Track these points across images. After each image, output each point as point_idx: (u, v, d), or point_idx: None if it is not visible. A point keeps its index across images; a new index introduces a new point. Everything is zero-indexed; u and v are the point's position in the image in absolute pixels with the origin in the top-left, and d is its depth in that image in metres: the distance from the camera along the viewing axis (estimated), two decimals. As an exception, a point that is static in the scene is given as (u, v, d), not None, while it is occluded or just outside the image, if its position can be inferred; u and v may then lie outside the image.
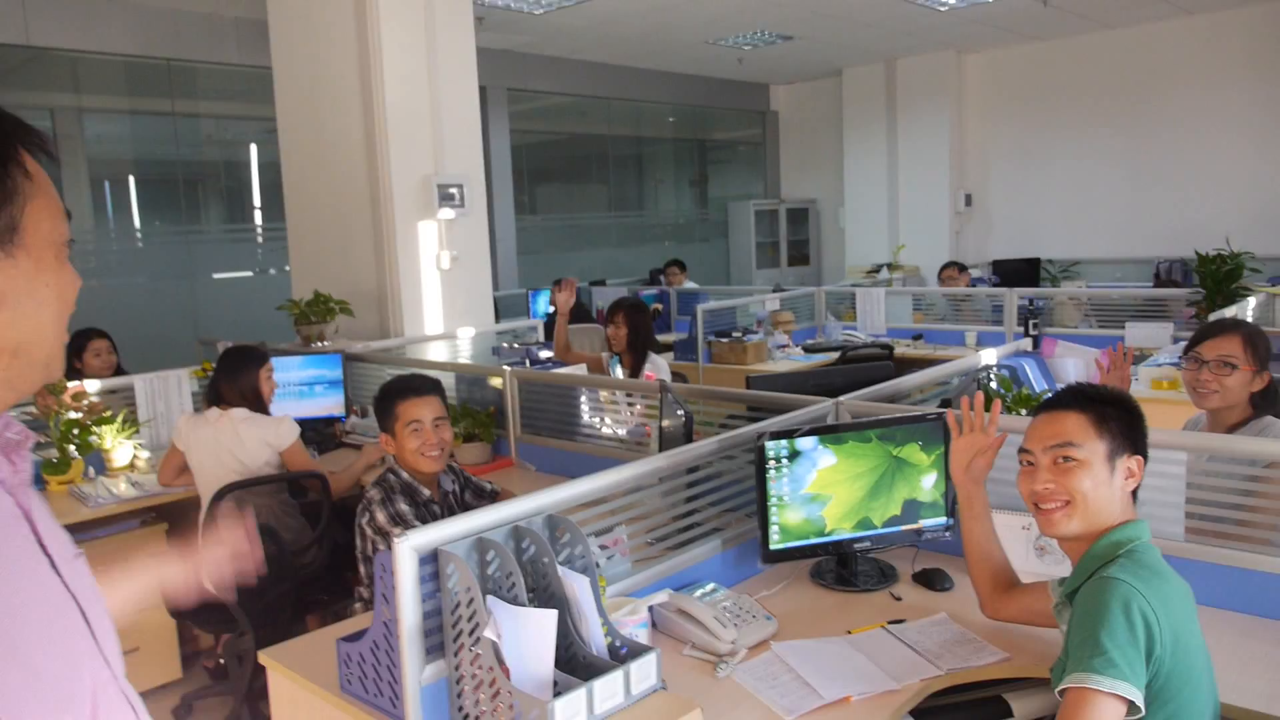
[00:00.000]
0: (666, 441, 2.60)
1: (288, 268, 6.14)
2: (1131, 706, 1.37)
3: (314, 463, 3.53)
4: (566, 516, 1.73)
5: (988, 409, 1.98)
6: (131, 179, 6.84)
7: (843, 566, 2.25)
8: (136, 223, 6.89)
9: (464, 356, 5.18)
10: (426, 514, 2.55)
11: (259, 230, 7.38)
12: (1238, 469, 2.04)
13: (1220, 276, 5.17)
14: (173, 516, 3.73)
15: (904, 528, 2.26)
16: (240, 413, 3.30)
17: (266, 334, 5.46)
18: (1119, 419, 1.61)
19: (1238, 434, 2.44)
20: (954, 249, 9.73)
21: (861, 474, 2.22)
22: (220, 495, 2.99)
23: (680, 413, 2.58)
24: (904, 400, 2.80)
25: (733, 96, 10.95)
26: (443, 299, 5.18)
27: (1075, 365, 3.61)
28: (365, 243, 5.07)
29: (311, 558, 3.22)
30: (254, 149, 7.32)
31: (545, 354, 4.97)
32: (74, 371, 4.45)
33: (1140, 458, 1.63)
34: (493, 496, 2.90)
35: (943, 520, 2.26)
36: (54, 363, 0.89)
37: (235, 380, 3.38)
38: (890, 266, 9.70)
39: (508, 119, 8.61)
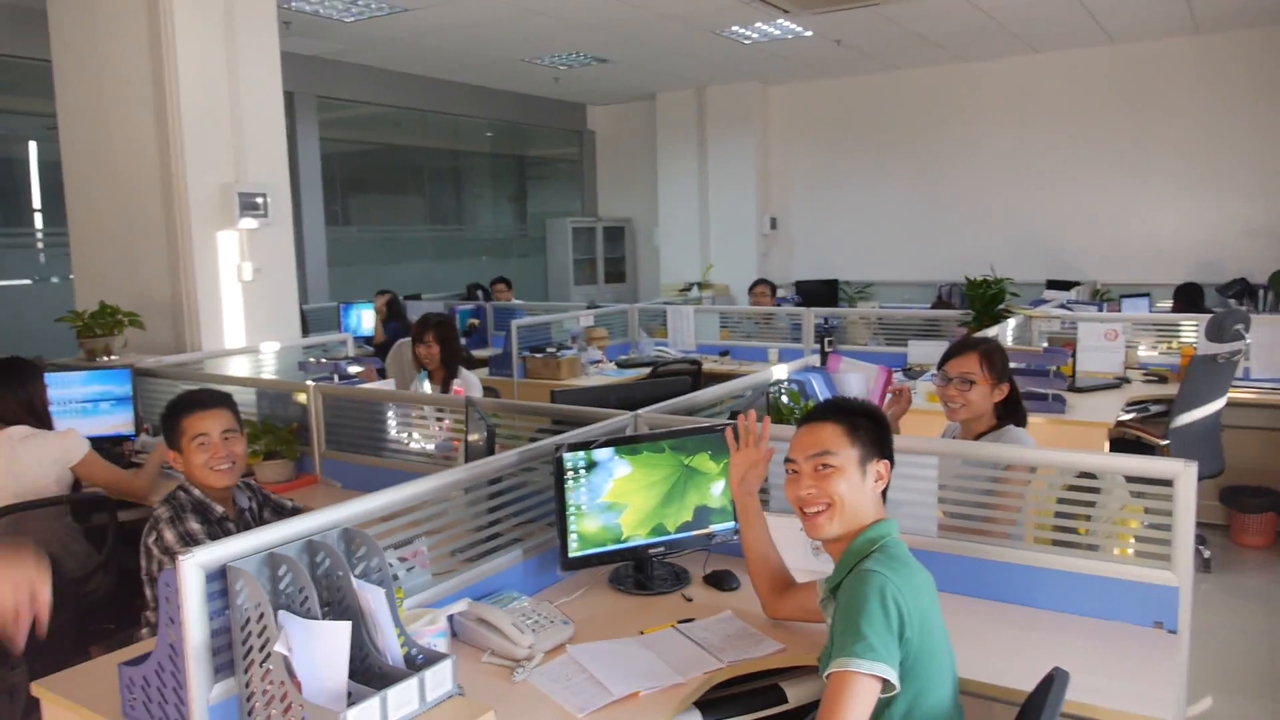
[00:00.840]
0: (472, 455, 2.65)
1: (72, 276, 5.73)
2: (886, 684, 1.55)
3: (118, 472, 3.35)
4: (364, 530, 1.75)
5: (781, 422, 2.16)
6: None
7: (639, 571, 2.38)
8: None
9: (268, 371, 4.99)
10: (220, 532, 2.47)
11: (39, 235, 6.81)
12: (981, 472, 2.32)
13: (986, 299, 5.75)
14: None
15: (696, 533, 2.41)
16: (20, 430, 3.07)
17: (46, 348, 5.06)
18: (868, 428, 1.82)
19: (982, 441, 2.76)
20: (761, 269, 10.28)
21: (655, 483, 2.36)
22: (-13, 522, 2.77)
23: (483, 427, 2.63)
24: (700, 413, 2.98)
25: (550, 114, 11.11)
26: (244, 312, 4.98)
27: (857, 380, 3.94)
28: (158, 252, 4.80)
29: (96, 584, 3.03)
30: (33, 146, 6.75)
31: (355, 369, 4.87)
32: None
33: (888, 461, 1.84)
34: (294, 514, 2.84)
35: (731, 525, 2.44)
36: None
37: (14, 394, 3.14)
38: (701, 285, 10.12)
39: (317, 127, 8.35)
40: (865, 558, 1.72)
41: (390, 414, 3.46)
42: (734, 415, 3.03)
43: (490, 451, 2.53)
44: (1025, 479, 2.24)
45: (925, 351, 5.56)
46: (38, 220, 6.82)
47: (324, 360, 4.99)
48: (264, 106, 4.98)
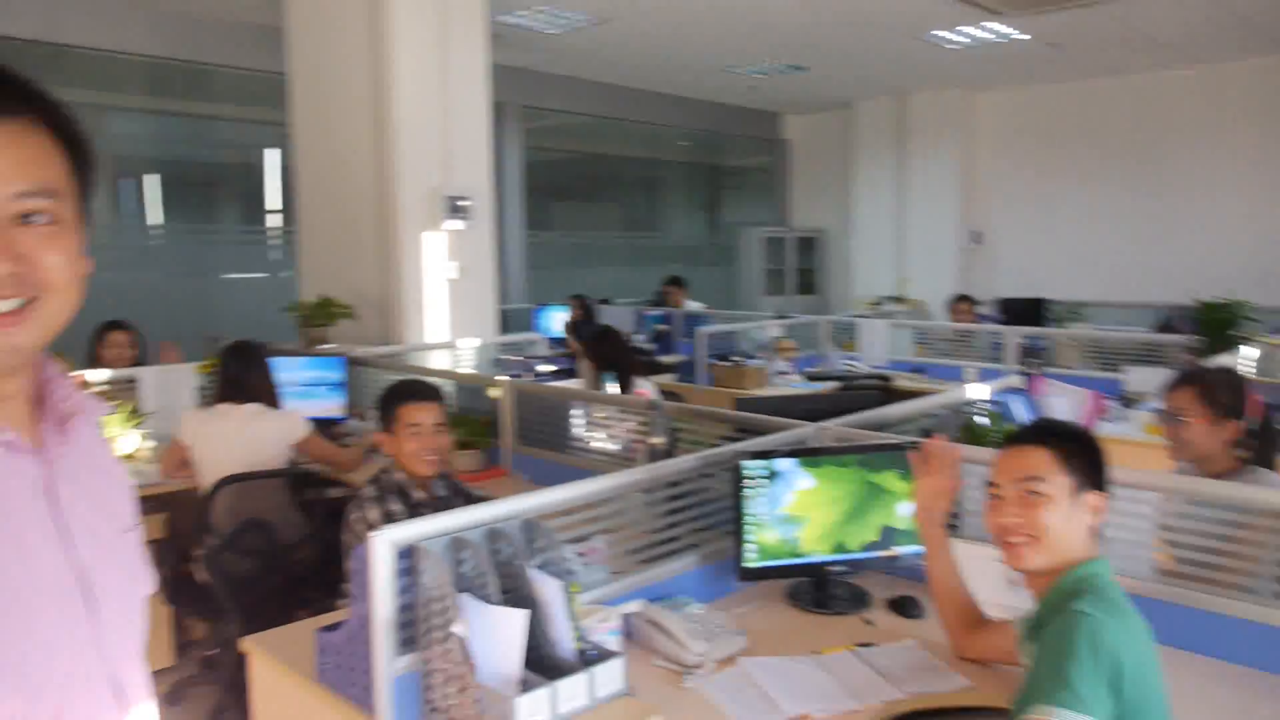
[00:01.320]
0: (653, 459, 2.65)
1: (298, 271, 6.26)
2: None
3: (337, 450, 3.65)
4: (544, 522, 1.78)
5: (977, 444, 2.02)
6: (150, 178, 6.96)
7: (817, 589, 2.29)
8: (155, 220, 7.00)
9: (465, 366, 5.24)
10: (416, 516, 2.59)
11: (273, 233, 7.48)
12: (1214, 515, 2.07)
13: (1220, 324, 5.20)
14: (173, 507, 3.79)
15: (880, 554, 2.30)
16: (253, 408, 3.38)
17: (272, 334, 5.54)
18: (1083, 455, 1.66)
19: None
20: (961, 284, 9.77)
21: (839, 498, 2.27)
22: (219, 487, 3.05)
23: (667, 430, 2.63)
24: (890, 429, 2.85)
25: (746, 123, 11.07)
26: (447, 308, 5.25)
27: (1063, 405, 3.66)
28: (372, 250, 5.16)
29: (304, 554, 3.27)
30: (271, 153, 7.41)
31: (546, 367, 5.04)
32: (94, 361, 4.52)
33: (1103, 494, 1.67)
34: (476, 501, 2.95)
35: (918, 548, 2.31)
36: None
37: (249, 373, 3.46)
38: (895, 299, 9.76)
39: (522, 135, 8.71)
40: (1075, 597, 1.56)
41: (577, 413, 3.53)
42: (927, 434, 2.88)
43: (670, 455, 2.52)
44: (1268, 525, 1.98)
45: (1144, 379, 5.09)
46: (272, 220, 7.49)
47: (518, 358, 5.20)
48: (472, 115, 5.25)
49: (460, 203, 5.13)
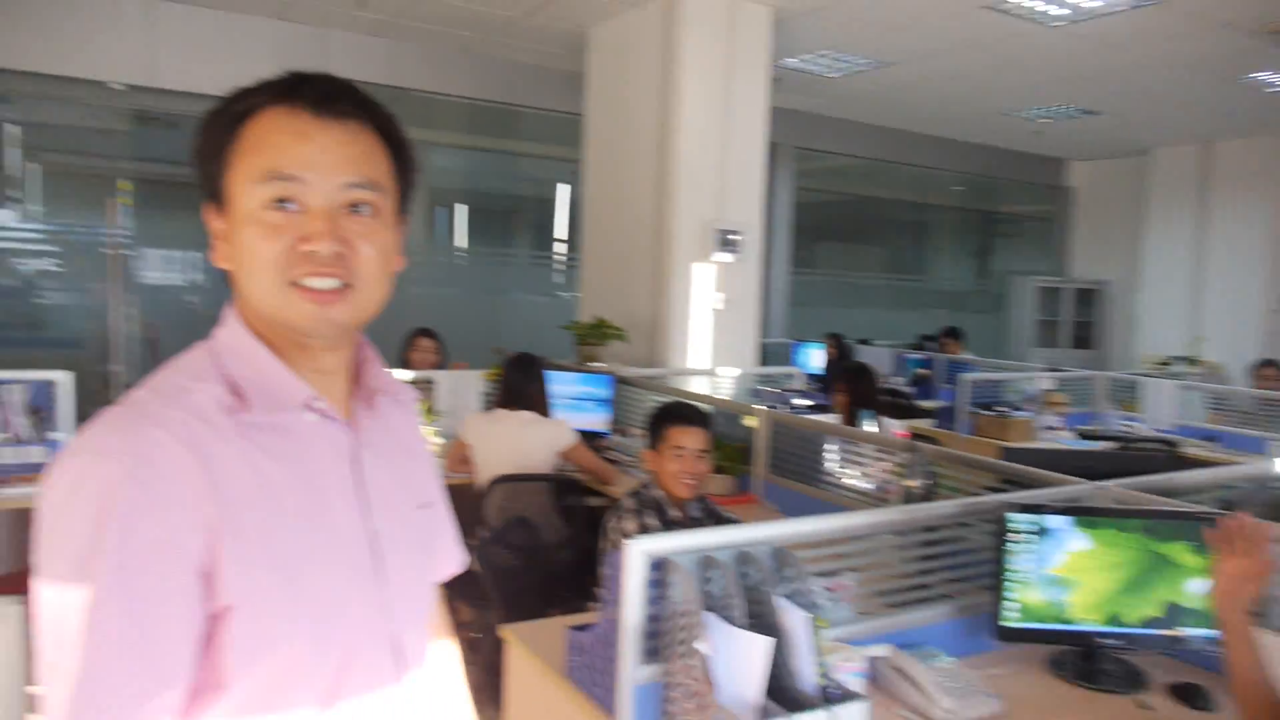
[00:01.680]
0: (909, 499, 2.58)
1: (578, 294, 6.67)
2: None
3: (599, 461, 3.89)
4: (794, 551, 1.79)
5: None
6: (459, 207, 7.77)
7: (1085, 661, 2.11)
8: (460, 244, 7.81)
9: (723, 393, 5.34)
10: (670, 532, 2.69)
11: (558, 259, 8.06)
12: None
13: None
14: (453, 498, 4.16)
15: (1162, 632, 2.08)
16: (527, 415, 3.66)
17: (550, 350, 5.95)
18: None
19: None
20: (1267, 349, 8.56)
21: (1117, 565, 2.08)
22: (493, 485, 3.32)
23: (924, 474, 2.54)
24: (1179, 497, 2.56)
25: (1025, 169, 10.41)
26: (711, 337, 5.39)
27: None
28: (646, 277, 5.41)
29: (563, 555, 3.48)
30: (562, 188, 8.02)
31: (801, 401, 5.02)
32: (404, 362, 5.11)
33: None
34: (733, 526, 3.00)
35: (1209, 633, 2.06)
36: (281, 316, 0.89)
37: (528, 383, 3.75)
38: (1186, 359, 8.69)
39: (793, 176, 8.77)
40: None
41: (831, 447, 3.49)
42: (1227, 508, 2.56)
43: (928, 500, 2.43)
44: None
45: None
46: (558, 247, 8.09)
47: (774, 390, 5.22)
48: (749, 154, 5.38)
49: (731, 236, 5.26)
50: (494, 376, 4.79)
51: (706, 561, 1.70)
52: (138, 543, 0.79)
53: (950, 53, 6.37)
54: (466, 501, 3.86)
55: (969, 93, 7.52)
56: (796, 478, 3.64)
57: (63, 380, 3.51)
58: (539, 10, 5.62)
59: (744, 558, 1.74)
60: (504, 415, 3.70)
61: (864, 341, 8.74)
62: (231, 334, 0.94)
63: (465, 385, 4.70)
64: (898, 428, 4.07)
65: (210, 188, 0.93)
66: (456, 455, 3.83)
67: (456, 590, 3.50)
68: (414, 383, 4.62)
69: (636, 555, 1.64)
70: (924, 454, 2.62)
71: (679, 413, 2.81)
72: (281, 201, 0.88)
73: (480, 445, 3.69)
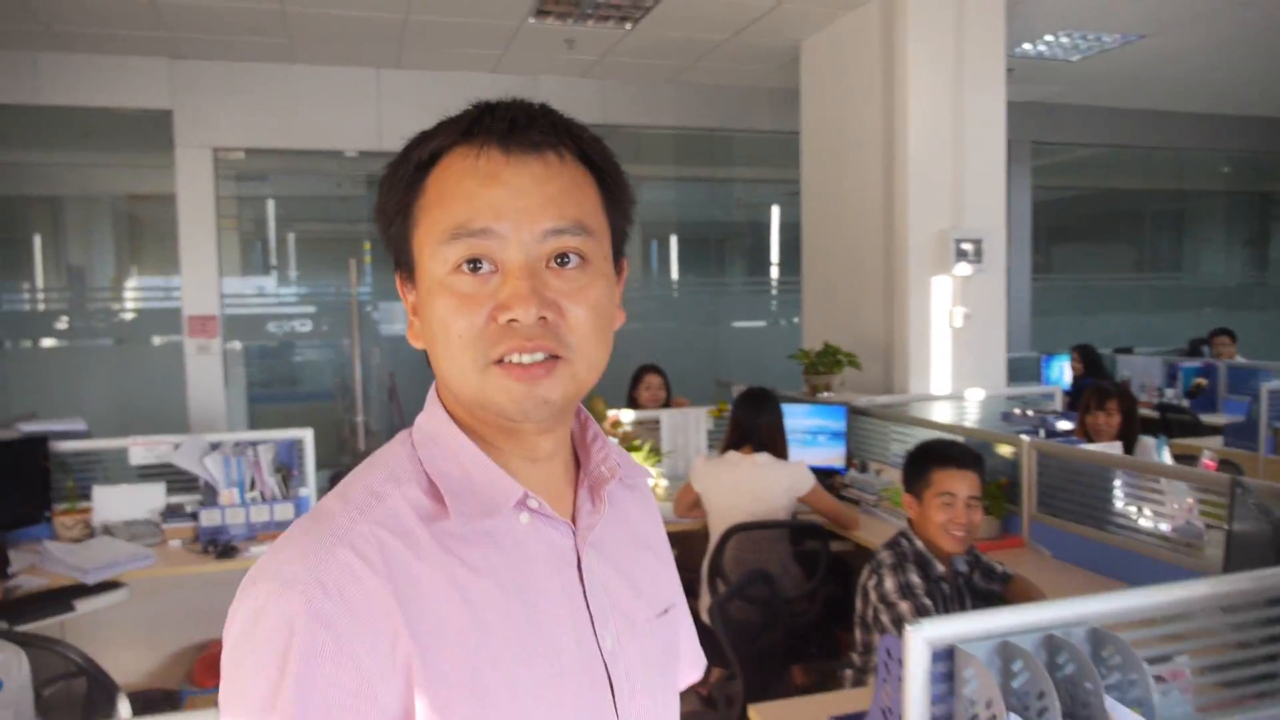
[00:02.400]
0: (1236, 551, 2.09)
1: (796, 319, 6.39)
2: None
3: (839, 505, 3.58)
4: (1114, 633, 1.43)
5: None
6: (673, 238, 7.72)
7: None
8: (674, 275, 7.74)
9: (970, 420, 4.85)
10: (936, 592, 2.34)
11: (773, 284, 7.81)
12: None
13: None
14: (683, 545, 4.01)
15: None
16: (763, 457, 3.41)
17: (775, 381, 5.70)
18: None
19: None
20: None
21: None
22: (729, 534, 3.10)
23: (1257, 515, 2.05)
24: None
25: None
26: (952, 358, 4.92)
27: None
28: (876, 297, 5.03)
29: (804, 608, 3.20)
30: (775, 210, 7.79)
31: (1064, 425, 4.45)
32: (633, 401, 5.04)
33: None
34: (1003, 580, 2.60)
35: None
36: (483, 399, 0.75)
37: (759, 422, 3.51)
38: None
39: (1030, 174, 8.04)
40: None
41: (1117, 482, 2.99)
42: None
43: (1276, 551, 1.94)
44: None
45: None
46: (773, 272, 7.83)
47: (1030, 413, 4.67)
48: (986, 154, 4.90)
49: (970, 245, 4.79)
50: (719, 413, 4.60)
51: (1005, 650, 1.38)
52: (322, 695, 0.66)
53: (1214, 16, 5.56)
54: (697, 548, 3.69)
55: (1241, 59, 6.55)
56: (1070, 516, 3.17)
57: (307, 438, 3.67)
58: (746, 29, 5.44)
59: (1053, 644, 1.40)
60: (736, 458, 3.47)
61: (1125, 350, 7.81)
62: (433, 422, 0.80)
63: (690, 423, 4.54)
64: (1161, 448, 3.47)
65: (397, 253, 0.80)
66: (686, 500, 3.65)
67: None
68: (640, 423, 4.52)
69: (917, 645, 1.35)
70: (1255, 492, 2.12)
71: (945, 453, 2.45)
72: (473, 263, 0.73)
73: (711, 491, 3.48)
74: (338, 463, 5.94)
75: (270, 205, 6.76)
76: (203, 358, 5.86)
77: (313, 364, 6.71)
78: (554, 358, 0.74)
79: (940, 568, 2.37)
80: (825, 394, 4.73)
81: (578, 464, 0.87)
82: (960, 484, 2.36)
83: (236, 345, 6.22)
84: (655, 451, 4.32)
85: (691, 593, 3.75)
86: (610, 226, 0.81)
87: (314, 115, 5.98)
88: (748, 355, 7.26)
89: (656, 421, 4.52)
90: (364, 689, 0.67)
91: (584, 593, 0.80)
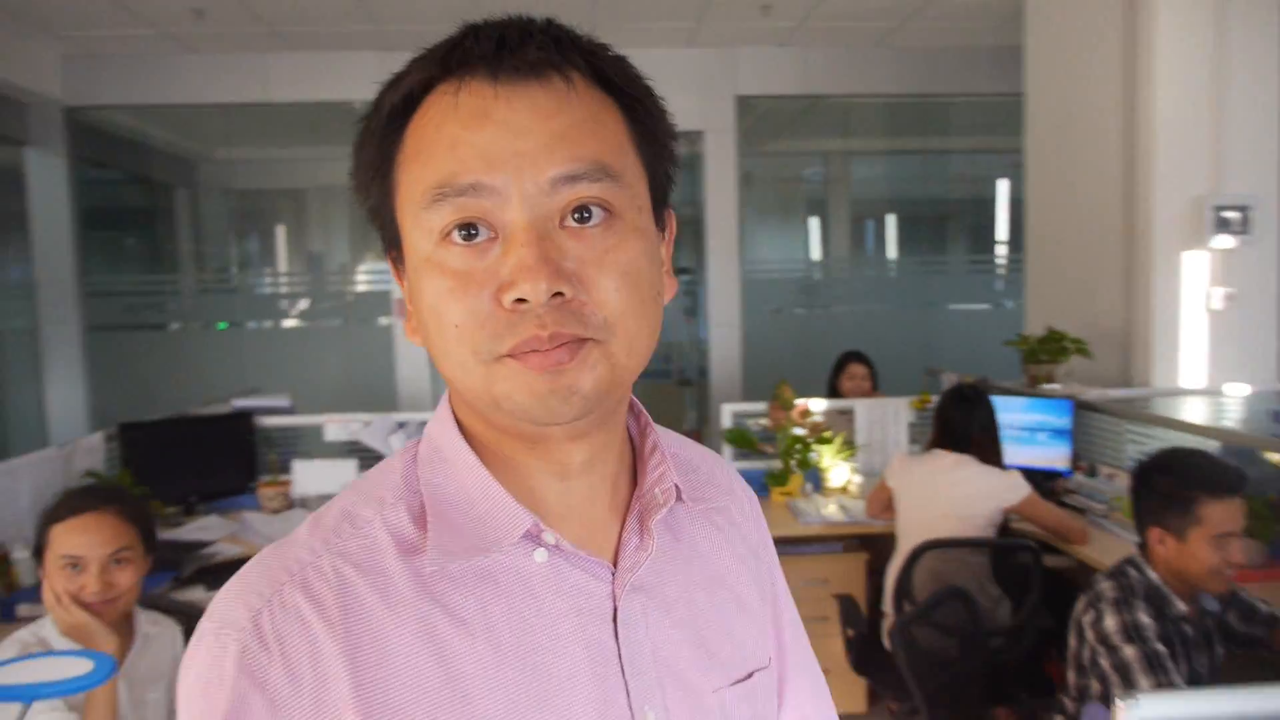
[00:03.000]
0: None
1: (1018, 300, 5.79)
2: None
3: (1063, 516, 3.09)
4: None
5: None
6: (889, 216, 7.26)
7: None
8: (890, 255, 7.27)
9: (1230, 420, 4.13)
10: (1175, 635, 1.90)
11: (999, 263, 7.16)
12: None
13: None
14: (875, 548, 3.67)
15: None
16: (967, 459, 3.01)
17: (993, 370, 5.15)
18: None
19: None
20: None
21: None
22: (920, 551, 2.75)
23: None
24: None
25: None
26: (1209, 346, 4.20)
27: None
28: (1113, 276, 4.39)
29: (1008, 639, 2.79)
30: (1001, 183, 7.14)
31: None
32: (834, 391, 4.72)
33: None
34: (1269, 623, 2.10)
35: None
36: (494, 397, 0.58)
37: (969, 423, 3.10)
38: None
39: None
40: None
41: None
42: None
43: None
44: None
45: None
46: (999, 250, 7.16)
47: (1309, 413, 3.90)
48: (1253, 106, 4.13)
49: (1232, 214, 4.06)
50: (922, 404, 4.19)
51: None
52: None
53: None
54: (884, 553, 3.34)
55: None
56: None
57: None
58: (962, -19, 4.93)
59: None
60: (938, 457, 3.08)
61: None
62: (439, 430, 0.65)
63: (890, 415, 4.15)
64: None
65: (383, 229, 0.64)
66: (879, 500, 3.30)
67: (873, 675, 2.97)
68: (834, 413, 4.19)
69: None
70: None
71: (1217, 478, 1.95)
72: (465, 230, 0.57)
73: (906, 492, 3.12)
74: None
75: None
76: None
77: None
78: (580, 340, 0.57)
79: (1181, 606, 1.93)
80: (1048, 386, 4.18)
81: (634, 484, 0.68)
82: (1239, 517, 1.89)
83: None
84: (849, 444, 3.99)
85: (877, 606, 3.43)
86: (645, 169, 0.62)
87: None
88: (965, 340, 6.69)
89: (852, 411, 4.18)
90: None
91: (619, 656, 0.62)
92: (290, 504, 3.64)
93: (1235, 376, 4.20)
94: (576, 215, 0.57)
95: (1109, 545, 3.04)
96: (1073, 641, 2.00)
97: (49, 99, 5.61)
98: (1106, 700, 1.91)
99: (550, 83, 0.58)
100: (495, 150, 0.55)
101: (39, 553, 1.77)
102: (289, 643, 0.55)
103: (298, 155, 7.28)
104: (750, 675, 0.69)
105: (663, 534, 0.66)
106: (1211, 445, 3.16)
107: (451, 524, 0.60)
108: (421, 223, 0.58)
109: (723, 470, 0.77)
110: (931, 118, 6.82)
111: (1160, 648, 1.83)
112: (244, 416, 3.71)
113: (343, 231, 7.01)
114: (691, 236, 6.55)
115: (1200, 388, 4.19)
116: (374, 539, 0.59)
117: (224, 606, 0.58)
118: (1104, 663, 1.86)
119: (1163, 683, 1.76)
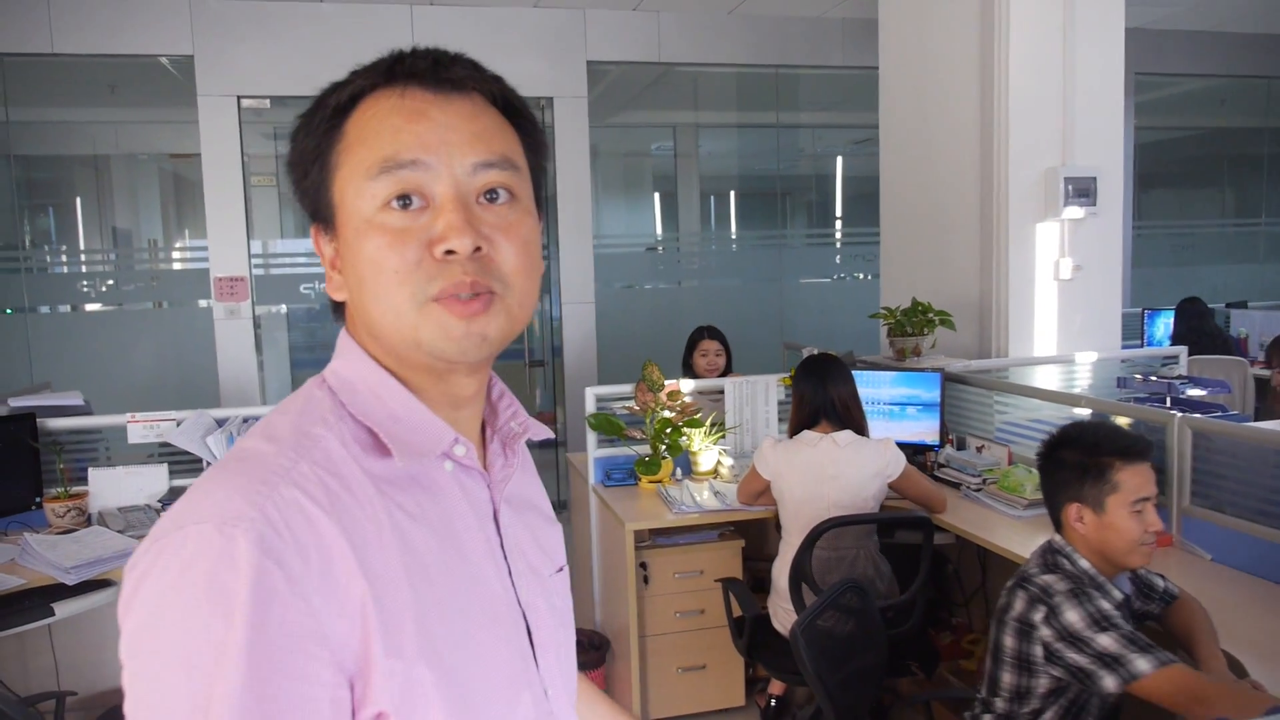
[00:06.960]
0: None
1: (860, 274, 5.78)
2: None
3: (932, 487, 3.01)
4: None
5: None
6: (732, 192, 7.15)
7: None
8: (733, 231, 7.17)
9: (1079, 387, 4.23)
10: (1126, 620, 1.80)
11: (838, 238, 7.22)
12: None
13: None
14: (750, 535, 3.52)
15: None
16: (845, 436, 2.87)
17: (850, 343, 5.13)
18: None
19: None
20: None
21: None
22: (818, 533, 2.59)
23: None
24: None
25: None
26: (1058, 315, 4.29)
27: None
28: (969, 248, 4.41)
29: (897, 615, 2.68)
30: (838, 160, 7.19)
31: (1195, 392, 3.82)
32: (688, 369, 4.51)
33: None
34: (1164, 599, 2.05)
35: None
36: (418, 338, 0.72)
37: (825, 395, 2.97)
38: None
39: (1133, 112, 7.24)
40: None
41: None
42: None
43: None
44: None
45: None
46: (838, 225, 7.22)
47: (1152, 378, 4.04)
48: (1101, 80, 4.23)
49: (1083, 184, 4.14)
50: (790, 381, 4.06)
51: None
52: (276, 643, 0.60)
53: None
54: (758, 539, 3.18)
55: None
56: (1234, 510, 2.58)
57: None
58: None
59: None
60: (813, 438, 2.92)
61: (1237, 304, 7.04)
62: (354, 367, 0.77)
63: (759, 393, 4.00)
64: None
65: (314, 204, 0.77)
66: (751, 489, 3.13)
67: (768, 659, 2.81)
68: (701, 393, 4.00)
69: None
70: None
71: (1128, 445, 1.85)
72: (403, 200, 0.72)
73: (784, 479, 2.94)
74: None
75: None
76: (232, 322, 5.48)
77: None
78: (490, 293, 0.73)
79: (1118, 594, 1.82)
80: (913, 358, 4.15)
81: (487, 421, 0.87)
82: (1152, 483, 1.81)
83: (281, 309, 5.83)
84: (720, 426, 3.81)
85: (762, 589, 3.28)
86: (530, 171, 0.79)
87: (344, 58, 5.47)
88: (815, 315, 6.68)
89: (720, 392, 4.00)
90: (318, 632, 0.63)
91: (502, 545, 0.80)
92: (88, 520, 3.11)
93: (1081, 344, 4.31)
94: (488, 195, 0.74)
95: (977, 517, 2.99)
96: (1009, 640, 1.84)
97: None
98: (1086, 695, 1.80)
99: (471, 96, 0.75)
100: (431, 138, 0.72)
101: None
102: (295, 528, 0.64)
103: (99, 118, 6.41)
104: (561, 569, 0.90)
105: (514, 456, 0.84)
106: (1084, 414, 3.17)
107: (395, 437, 0.73)
108: (365, 192, 0.72)
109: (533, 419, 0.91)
110: (781, 90, 6.76)
111: (1128, 628, 1.72)
112: (25, 419, 3.13)
113: (153, 205, 6.25)
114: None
115: (1051, 355, 4.28)
116: (332, 452, 0.70)
117: (217, 508, 0.63)
118: (1075, 657, 1.71)
119: (1162, 660, 1.65)
